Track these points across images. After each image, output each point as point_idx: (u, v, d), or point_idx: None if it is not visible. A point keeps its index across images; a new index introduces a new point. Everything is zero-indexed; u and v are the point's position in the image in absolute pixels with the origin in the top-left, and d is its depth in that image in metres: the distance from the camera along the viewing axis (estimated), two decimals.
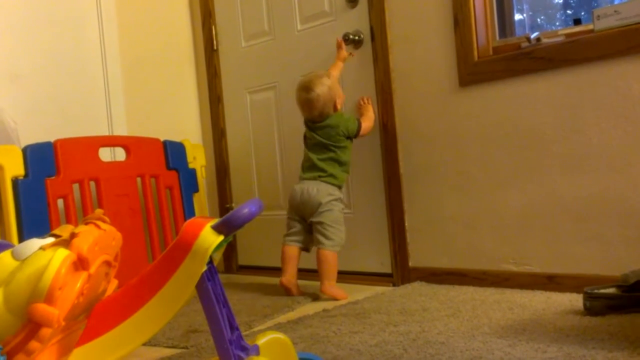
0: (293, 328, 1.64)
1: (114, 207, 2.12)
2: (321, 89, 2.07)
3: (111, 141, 2.34)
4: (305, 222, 2.12)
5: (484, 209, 1.99)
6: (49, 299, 0.82)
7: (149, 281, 0.88)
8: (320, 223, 2.06)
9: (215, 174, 2.83)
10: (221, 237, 0.85)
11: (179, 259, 0.85)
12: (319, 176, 2.09)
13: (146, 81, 2.67)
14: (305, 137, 2.20)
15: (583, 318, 1.50)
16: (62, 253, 0.84)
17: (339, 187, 2.12)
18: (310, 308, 1.90)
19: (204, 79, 2.85)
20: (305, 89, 2.10)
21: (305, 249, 2.13)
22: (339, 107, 2.11)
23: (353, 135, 2.12)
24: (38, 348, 0.83)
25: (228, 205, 2.79)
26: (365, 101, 2.22)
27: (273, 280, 2.33)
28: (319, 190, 2.07)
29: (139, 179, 2.27)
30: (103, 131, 2.48)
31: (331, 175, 2.09)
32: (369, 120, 2.17)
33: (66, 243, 0.86)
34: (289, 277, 2.08)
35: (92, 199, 2.09)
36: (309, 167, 2.13)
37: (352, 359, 1.33)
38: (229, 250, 2.79)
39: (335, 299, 1.98)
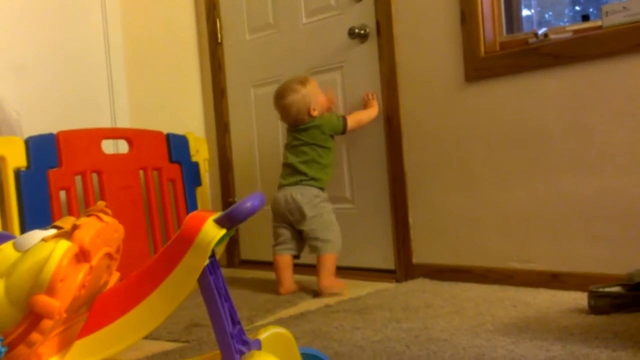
0: (295, 323, 1.63)
1: (116, 200, 2.11)
2: (293, 97, 2.06)
3: (114, 133, 2.33)
4: (294, 229, 2.09)
5: (489, 206, 1.97)
6: (50, 290, 0.81)
7: (150, 274, 0.87)
8: (313, 230, 2.03)
9: (219, 167, 2.82)
10: (223, 231, 0.84)
11: (181, 253, 0.84)
12: (301, 180, 2.07)
13: (149, 73, 2.66)
14: (286, 143, 2.18)
15: (587, 317, 1.49)
16: (63, 245, 0.83)
17: (322, 189, 2.10)
18: (313, 303, 1.89)
19: (208, 72, 2.84)
20: (277, 97, 2.12)
21: (297, 256, 2.11)
22: (314, 113, 2.07)
23: (340, 132, 2.11)
24: (39, 340, 0.83)
25: (231, 199, 2.78)
26: (370, 96, 2.21)
27: (275, 275, 2.33)
28: (303, 195, 2.04)
29: (141, 172, 2.26)
30: (106, 123, 2.47)
31: (313, 179, 2.07)
32: (369, 112, 2.16)
33: (68, 235, 0.86)
34: (287, 286, 2.07)
35: (95, 191, 2.09)
36: (290, 173, 2.11)
37: (354, 355, 1.33)
38: (231, 244, 2.78)
39: (336, 292, 1.97)
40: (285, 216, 2.09)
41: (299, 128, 2.11)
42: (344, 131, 2.12)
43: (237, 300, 2.01)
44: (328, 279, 2.01)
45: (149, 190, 2.27)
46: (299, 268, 2.14)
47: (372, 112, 2.18)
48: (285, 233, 2.10)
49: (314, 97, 2.09)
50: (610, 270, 1.70)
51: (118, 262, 0.98)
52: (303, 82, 2.10)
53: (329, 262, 2.01)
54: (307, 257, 2.14)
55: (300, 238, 2.10)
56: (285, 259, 2.09)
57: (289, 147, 2.16)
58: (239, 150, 2.78)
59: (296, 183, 2.07)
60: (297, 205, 2.04)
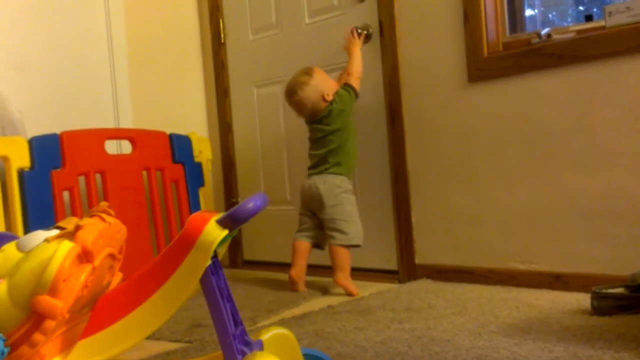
0: (297, 324, 1.63)
1: (119, 200, 2.11)
2: (304, 91, 2.07)
3: (117, 134, 2.34)
4: (316, 218, 2.10)
5: (492, 206, 1.97)
6: (53, 291, 0.82)
7: (153, 274, 0.87)
8: (332, 219, 2.04)
9: (222, 167, 2.82)
10: (226, 232, 0.84)
11: (183, 253, 0.84)
12: (326, 169, 2.08)
13: (153, 73, 2.66)
14: (309, 137, 2.18)
15: (590, 318, 1.48)
16: (66, 245, 0.84)
17: (347, 177, 2.10)
18: (316, 304, 1.89)
19: (211, 72, 2.84)
20: (289, 93, 2.12)
21: (317, 245, 2.12)
22: (328, 98, 2.07)
23: (356, 98, 2.09)
24: (42, 340, 0.83)
25: (234, 200, 2.78)
26: (352, 34, 2.12)
27: (278, 275, 2.33)
28: (325, 183, 2.06)
29: (144, 172, 2.26)
30: (109, 123, 2.48)
31: (337, 165, 2.07)
32: (355, 59, 2.09)
33: (71, 235, 0.86)
34: (298, 270, 2.08)
35: (98, 191, 2.09)
36: (315, 163, 2.13)
37: (357, 355, 1.33)
38: (234, 244, 2.79)
39: (347, 292, 1.97)
40: (309, 204, 2.11)
41: (319, 118, 2.10)
42: (357, 95, 2.09)
43: (240, 300, 2.00)
44: (343, 274, 1.99)
45: (152, 191, 2.27)
46: (308, 268, 2.13)
47: (356, 55, 2.09)
48: (307, 221, 2.12)
49: (323, 84, 2.08)
50: (614, 271, 1.69)
51: (121, 263, 0.98)
52: (309, 72, 2.10)
53: (342, 256, 2.01)
54: (316, 258, 2.14)
55: (322, 227, 2.10)
56: (302, 245, 2.10)
57: (312, 140, 2.15)
58: (242, 150, 2.78)
59: (320, 172, 2.09)
60: (318, 194, 2.05)
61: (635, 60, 1.66)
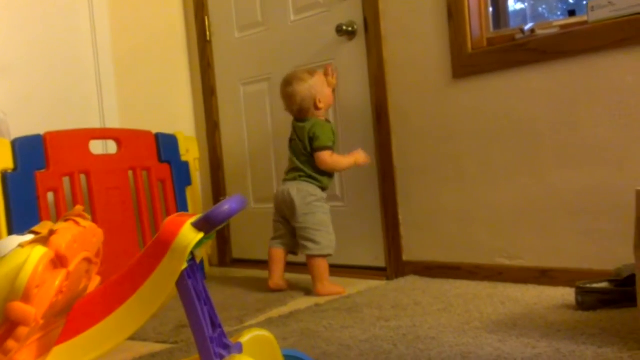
0: (284, 323, 1.63)
1: (105, 201, 2.10)
2: (300, 86, 2.03)
3: (102, 134, 2.32)
4: (289, 224, 2.08)
5: (478, 202, 1.97)
6: (25, 297, 0.80)
7: (129, 279, 0.86)
8: (304, 228, 2.01)
9: (209, 166, 2.81)
10: (201, 235, 0.83)
11: (158, 257, 0.84)
12: (299, 176, 2.05)
13: (138, 72, 2.64)
14: (290, 137, 2.14)
15: (575, 313, 1.49)
16: (39, 250, 0.82)
17: (322, 187, 2.06)
18: (303, 302, 1.88)
19: (197, 71, 2.83)
20: (285, 83, 2.08)
21: (292, 252, 2.10)
22: (320, 106, 2.04)
23: (309, 151, 2.03)
24: (15, 347, 0.82)
25: (221, 199, 2.77)
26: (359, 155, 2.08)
27: (267, 274, 2.32)
28: (299, 191, 2.03)
29: (130, 172, 2.25)
30: (95, 123, 2.46)
31: (311, 177, 2.04)
32: (348, 160, 2.05)
33: (44, 240, 0.85)
34: (276, 280, 2.06)
35: (83, 192, 2.08)
36: (291, 170, 2.10)
37: (341, 354, 1.32)
38: (223, 243, 2.78)
39: (333, 295, 1.96)
40: (282, 211, 2.08)
41: (297, 124, 2.08)
42: (312, 152, 2.03)
43: (228, 300, 2.01)
44: (321, 285, 1.98)
45: (138, 191, 2.26)
46: (290, 267, 2.13)
47: (350, 160, 2.06)
48: (282, 228, 2.10)
49: (320, 89, 2.05)
50: (600, 266, 1.70)
51: (98, 267, 0.97)
52: (311, 72, 2.08)
53: (318, 266, 1.99)
54: (299, 256, 2.13)
55: (295, 234, 2.08)
56: (277, 253, 2.08)
57: (290, 142, 2.12)
58: (229, 148, 2.77)
59: (294, 179, 2.06)
60: (290, 201, 2.03)
61: (617, 55, 1.67)
